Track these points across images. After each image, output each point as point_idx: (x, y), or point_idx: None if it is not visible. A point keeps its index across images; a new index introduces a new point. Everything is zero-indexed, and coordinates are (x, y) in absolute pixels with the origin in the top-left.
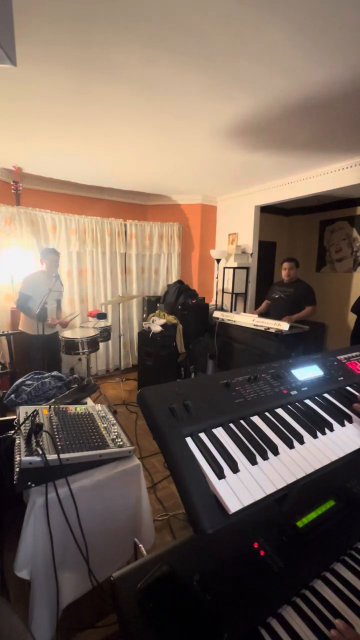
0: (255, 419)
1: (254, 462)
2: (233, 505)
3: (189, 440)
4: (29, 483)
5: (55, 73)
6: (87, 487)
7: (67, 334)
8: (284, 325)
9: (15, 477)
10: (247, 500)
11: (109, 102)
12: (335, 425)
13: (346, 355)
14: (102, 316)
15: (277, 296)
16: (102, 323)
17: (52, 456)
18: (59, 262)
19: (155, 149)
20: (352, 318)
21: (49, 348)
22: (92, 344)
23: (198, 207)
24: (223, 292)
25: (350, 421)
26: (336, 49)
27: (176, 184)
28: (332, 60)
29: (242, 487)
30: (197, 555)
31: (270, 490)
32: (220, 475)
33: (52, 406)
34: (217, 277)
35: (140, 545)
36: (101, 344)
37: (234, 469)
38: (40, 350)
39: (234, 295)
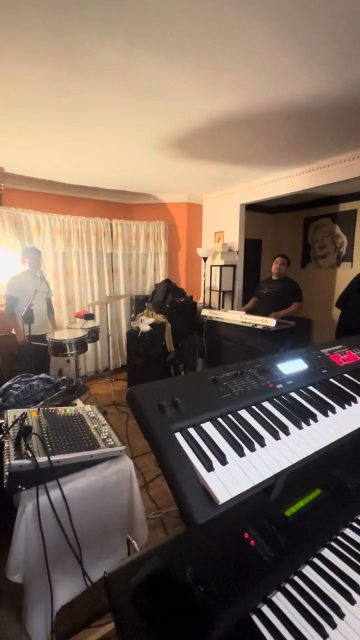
0: (243, 413)
1: (241, 454)
2: (222, 496)
3: (178, 435)
4: (20, 486)
5: (32, 65)
6: (79, 488)
7: (55, 335)
8: (271, 322)
9: (5, 481)
10: (236, 491)
11: (86, 97)
12: (319, 416)
13: (330, 349)
14: (89, 317)
15: (265, 292)
16: (90, 324)
17: (42, 458)
18: (41, 260)
19: (133, 149)
20: (337, 313)
21: (38, 350)
22: (80, 345)
23: (184, 205)
24: (211, 290)
25: (334, 412)
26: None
27: (160, 183)
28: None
29: (230, 479)
30: (189, 548)
31: (258, 480)
32: (210, 468)
33: (41, 409)
34: (204, 275)
35: (134, 542)
36: (90, 345)
37: (223, 461)
38: (28, 352)
39: (221, 293)
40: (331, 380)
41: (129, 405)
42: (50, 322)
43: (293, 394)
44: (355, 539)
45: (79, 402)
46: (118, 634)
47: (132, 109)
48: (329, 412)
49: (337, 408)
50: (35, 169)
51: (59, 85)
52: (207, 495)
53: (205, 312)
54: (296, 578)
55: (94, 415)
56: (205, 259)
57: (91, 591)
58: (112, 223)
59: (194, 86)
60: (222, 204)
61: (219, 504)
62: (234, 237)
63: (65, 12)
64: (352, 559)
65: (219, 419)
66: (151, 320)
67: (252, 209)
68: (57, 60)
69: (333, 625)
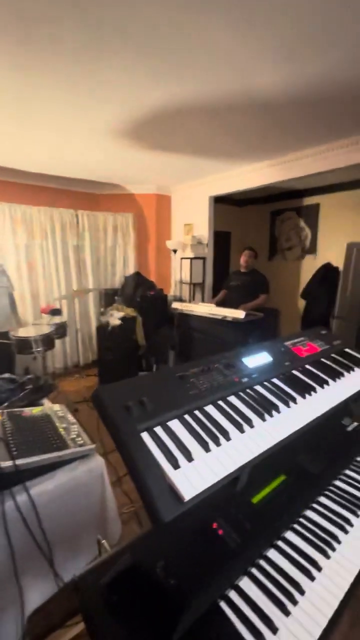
0: (209, 408)
1: (207, 449)
2: (188, 493)
3: (144, 435)
4: None
5: None
6: (48, 489)
7: (19, 332)
8: (240, 314)
9: None
10: (201, 486)
11: (38, 78)
12: (282, 407)
13: (292, 341)
14: (56, 312)
15: (234, 284)
16: (57, 319)
17: (6, 463)
18: None
19: (88, 136)
20: (302, 303)
21: (1, 348)
22: (47, 341)
23: (153, 197)
24: (181, 282)
25: (295, 402)
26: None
27: (126, 173)
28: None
29: (196, 475)
30: (160, 543)
31: (223, 474)
32: (176, 465)
33: (5, 411)
34: (174, 268)
35: (104, 541)
36: (58, 341)
37: (189, 458)
38: None
39: (191, 286)
40: (293, 371)
41: (95, 407)
42: (13, 318)
43: (258, 387)
44: (315, 520)
45: (47, 401)
46: (89, 634)
47: (84, 94)
48: (291, 403)
49: (299, 398)
50: None
51: (11, 66)
52: (173, 493)
53: (176, 305)
54: (261, 562)
55: (62, 414)
56: (175, 251)
57: (64, 591)
58: (78, 214)
59: (144, 75)
60: (190, 196)
61: (185, 501)
62: (203, 229)
63: None
64: (312, 538)
65: (186, 416)
66: (121, 314)
67: (221, 202)
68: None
69: (294, 603)
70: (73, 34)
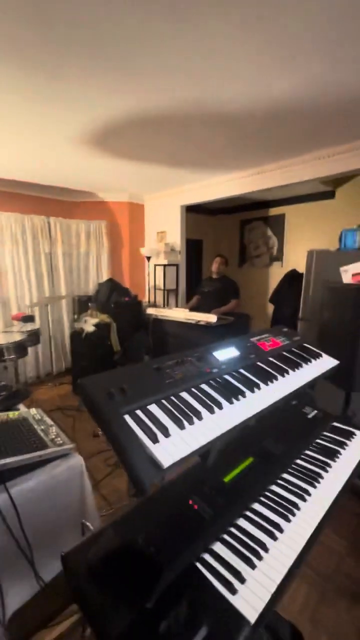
0: (183, 394)
1: (182, 427)
2: (166, 461)
3: (127, 417)
4: None
5: None
6: (28, 488)
7: None
8: (212, 318)
9: None
10: (178, 456)
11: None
12: (247, 392)
13: (257, 337)
14: (28, 319)
15: (206, 290)
16: (29, 326)
17: None
18: None
19: (53, 143)
20: (271, 307)
21: None
22: (19, 349)
23: (125, 205)
24: (155, 288)
25: (259, 388)
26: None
27: (96, 181)
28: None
29: (172, 447)
30: (141, 520)
31: (196, 446)
32: (155, 440)
33: None
34: (148, 275)
35: (88, 523)
36: (30, 349)
37: (166, 434)
38: None
39: (165, 292)
40: (258, 363)
41: (80, 395)
42: None
43: (226, 376)
44: (279, 492)
45: (22, 406)
46: (80, 608)
47: (47, 99)
48: (255, 389)
49: (262, 385)
50: None
51: None
52: (153, 462)
53: (150, 311)
54: (232, 529)
55: (39, 417)
56: (148, 258)
57: (45, 592)
58: (50, 221)
59: (105, 85)
60: (163, 205)
61: (164, 468)
62: (175, 237)
63: None
64: (275, 507)
65: (163, 401)
66: (95, 320)
67: (193, 211)
68: None
69: (260, 558)
70: (34, 41)
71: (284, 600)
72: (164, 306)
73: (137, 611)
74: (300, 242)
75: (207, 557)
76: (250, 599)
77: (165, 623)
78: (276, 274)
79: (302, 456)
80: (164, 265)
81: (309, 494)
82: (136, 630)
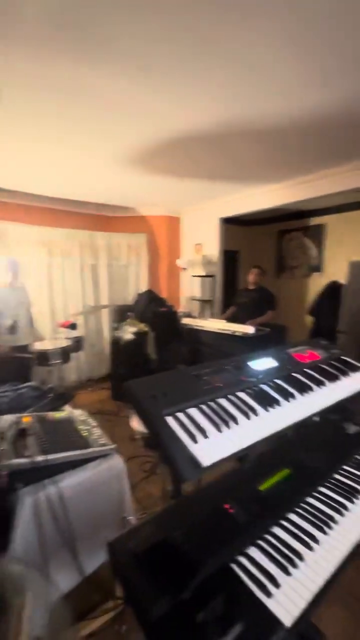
0: (221, 400)
1: (220, 430)
2: (205, 460)
3: (168, 418)
4: (19, 485)
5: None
6: (72, 484)
7: (39, 345)
8: (250, 329)
9: (4, 481)
10: (216, 457)
11: (56, 111)
12: (282, 401)
13: (294, 349)
14: (73, 327)
15: (242, 301)
16: (73, 334)
17: (39, 457)
18: (20, 271)
19: (102, 164)
20: (309, 319)
21: (20, 360)
22: (64, 355)
23: (163, 218)
24: (191, 299)
25: (294, 398)
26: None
27: (138, 197)
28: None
29: (211, 448)
30: (179, 517)
31: (233, 449)
32: (195, 440)
33: (34, 414)
34: (184, 285)
35: (129, 518)
36: (72, 355)
37: (205, 436)
38: (12, 362)
39: (201, 302)
40: (293, 374)
41: (128, 396)
42: (32, 333)
43: (262, 385)
44: (316, 505)
45: (68, 407)
46: (124, 589)
47: (99, 123)
48: (290, 399)
49: (297, 395)
50: (9, 181)
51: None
52: (192, 461)
53: (186, 321)
54: (267, 536)
55: (84, 418)
56: (185, 269)
57: (85, 584)
58: (94, 235)
59: (154, 105)
60: (200, 218)
61: (203, 466)
62: (212, 249)
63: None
64: (312, 519)
65: (202, 405)
66: (134, 329)
67: (229, 222)
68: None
69: (295, 566)
70: (89, 76)
71: (319, 623)
72: (199, 316)
73: (176, 600)
74: (341, 253)
75: (241, 559)
76: (285, 603)
77: (202, 614)
78: (315, 285)
79: (341, 471)
80: (201, 277)
81: (347, 509)
82: (174, 617)
